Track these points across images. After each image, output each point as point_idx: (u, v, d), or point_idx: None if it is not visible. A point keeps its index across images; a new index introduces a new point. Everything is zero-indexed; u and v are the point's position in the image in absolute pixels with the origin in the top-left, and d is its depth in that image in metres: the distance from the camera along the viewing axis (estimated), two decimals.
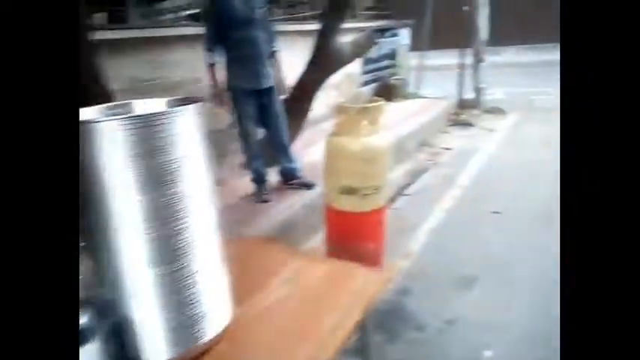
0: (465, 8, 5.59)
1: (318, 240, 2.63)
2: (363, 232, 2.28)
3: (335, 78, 5.62)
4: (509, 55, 11.19)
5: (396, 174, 4.15)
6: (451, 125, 5.75)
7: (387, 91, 6.16)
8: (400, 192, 3.69)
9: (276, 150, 2.96)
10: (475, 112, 6.16)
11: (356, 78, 5.95)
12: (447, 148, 4.84)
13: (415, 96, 6.75)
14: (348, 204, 2.23)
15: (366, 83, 6.04)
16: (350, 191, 2.19)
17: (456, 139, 5.21)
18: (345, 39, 3.51)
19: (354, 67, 5.90)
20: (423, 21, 6.72)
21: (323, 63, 3.34)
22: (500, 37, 10.15)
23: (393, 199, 3.49)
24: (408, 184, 3.88)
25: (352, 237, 2.29)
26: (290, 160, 2.99)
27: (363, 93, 5.93)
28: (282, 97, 3.03)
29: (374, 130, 2.17)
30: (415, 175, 4.12)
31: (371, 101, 2.24)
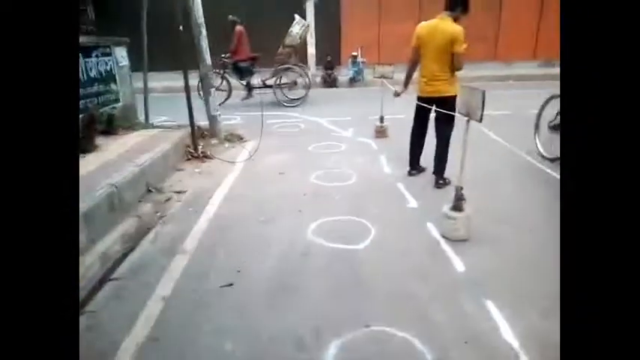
0: (180, 28, 4.91)
1: None
2: None
3: None
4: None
5: (107, 244, 3.06)
6: (187, 160, 5.00)
7: (107, 123, 4.90)
8: (106, 277, 2.63)
9: None
10: (213, 141, 5.60)
11: None
12: (180, 192, 4.04)
13: (143, 126, 5.68)
14: None
15: None
16: None
17: (191, 177, 4.47)
18: None
19: None
20: (140, 39, 5.72)
21: None
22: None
23: (86, 300, 2.40)
24: (122, 258, 2.86)
25: None
26: None
27: None
28: None
29: None
30: (135, 239, 3.13)
31: None
